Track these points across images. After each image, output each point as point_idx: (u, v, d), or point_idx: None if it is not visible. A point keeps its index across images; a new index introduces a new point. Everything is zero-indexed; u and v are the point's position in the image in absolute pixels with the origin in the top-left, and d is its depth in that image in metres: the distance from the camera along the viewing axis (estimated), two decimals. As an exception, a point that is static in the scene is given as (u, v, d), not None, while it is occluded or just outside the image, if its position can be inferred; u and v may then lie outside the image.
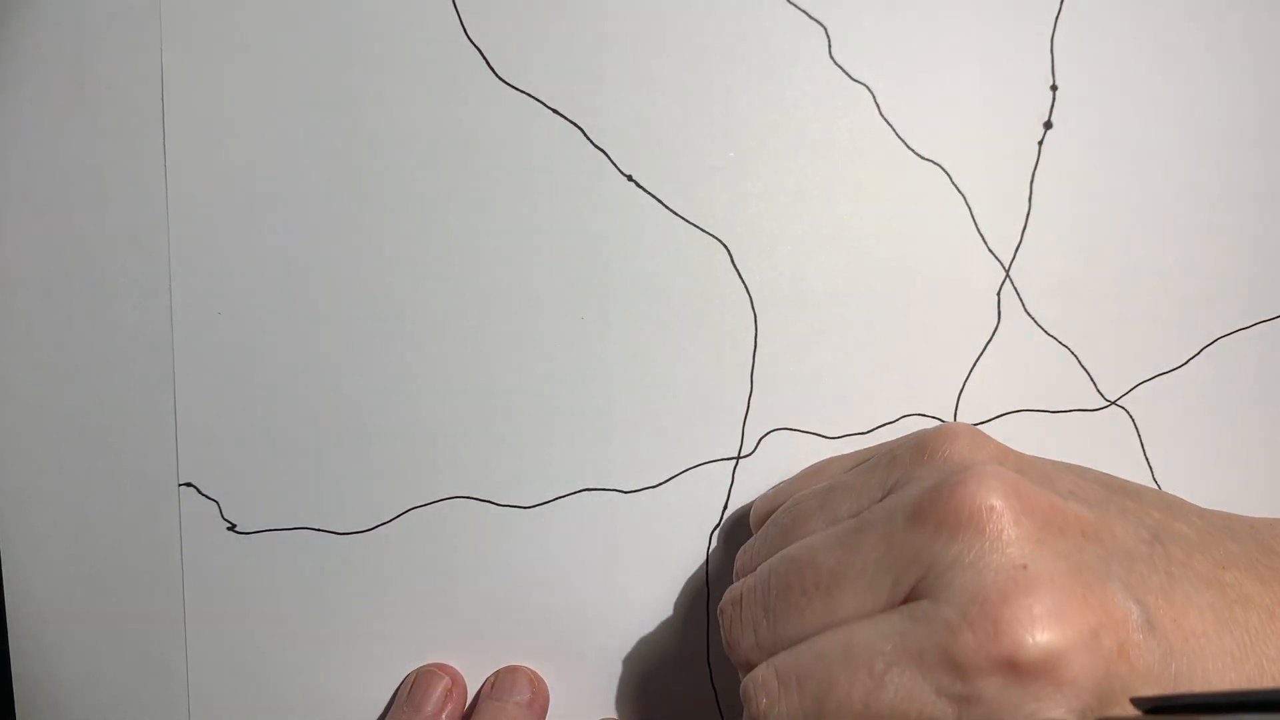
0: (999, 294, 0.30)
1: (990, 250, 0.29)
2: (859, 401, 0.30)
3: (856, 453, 0.28)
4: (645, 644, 0.30)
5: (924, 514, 0.20)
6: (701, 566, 0.30)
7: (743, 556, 0.26)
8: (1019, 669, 0.18)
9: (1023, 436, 0.30)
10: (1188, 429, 0.30)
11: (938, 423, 0.30)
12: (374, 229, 0.29)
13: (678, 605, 0.30)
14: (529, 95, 0.29)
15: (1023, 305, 0.30)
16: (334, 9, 0.28)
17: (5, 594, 0.30)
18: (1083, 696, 0.18)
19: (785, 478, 0.29)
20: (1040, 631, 0.18)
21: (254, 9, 0.28)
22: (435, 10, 0.28)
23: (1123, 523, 0.21)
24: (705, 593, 0.30)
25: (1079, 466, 0.25)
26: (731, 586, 0.25)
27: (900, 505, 0.21)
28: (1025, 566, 0.19)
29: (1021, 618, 0.18)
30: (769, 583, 0.23)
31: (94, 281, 0.29)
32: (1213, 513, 0.24)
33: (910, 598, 0.20)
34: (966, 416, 0.30)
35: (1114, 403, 0.30)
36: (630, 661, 0.30)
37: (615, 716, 0.30)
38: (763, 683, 0.21)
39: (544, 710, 0.30)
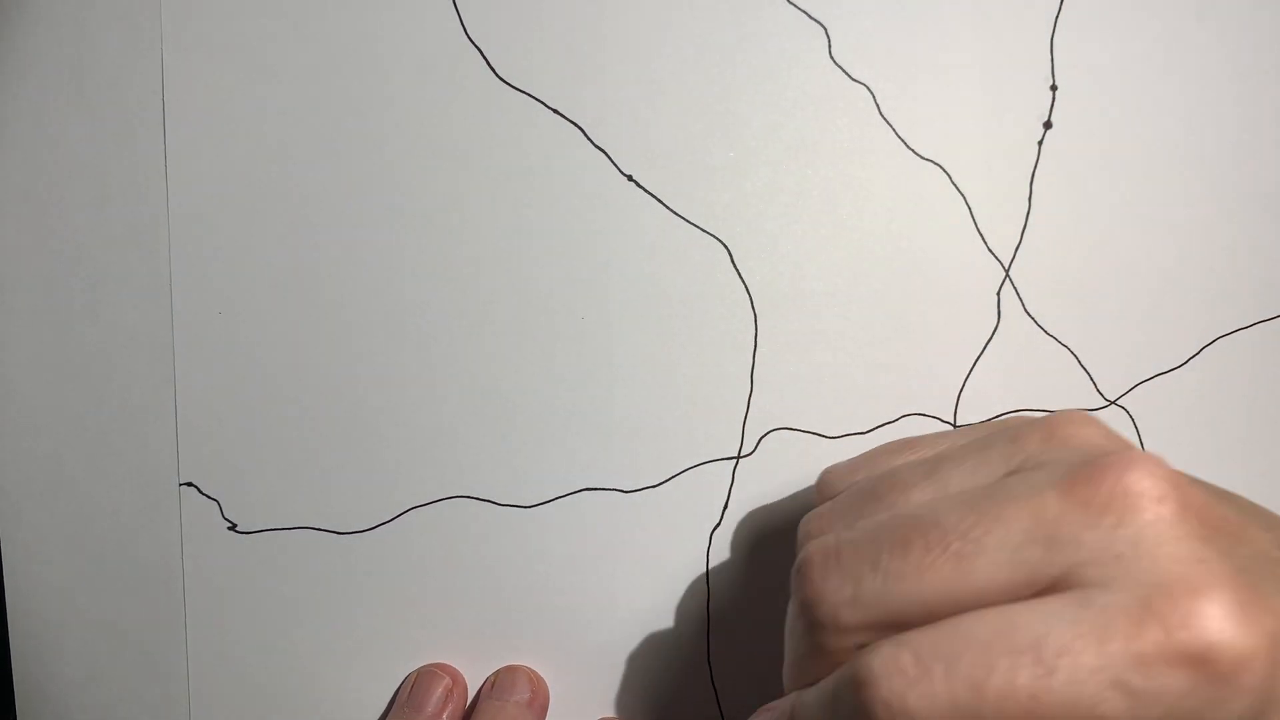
0: (999, 294, 0.30)
1: (990, 250, 0.29)
2: (859, 401, 0.30)
3: (959, 430, 0.27)
4: (645, 643, 0.30)
5: (1080, 491, 0.19)
6: (701, 566, 0.30)
7: (816, 520, 0.24)
8: (1208, 667, 0.17)
9: (1023, 436, 0.30)
10: (1188, 429, 0.30)
11: (938, 422, 0.30)
12: (374, 229, 0.29)
13: (678, 605, 0.30)
14: (529, 95, 0.29)
15: (1023, 305, 0.30)
16: (334, 9, 0.28)
17: (5, 594, 0.30)
18: (1253, 704, 0.17)
19: (785, 477, 0.29)
20: (1233, 630, 0.17)
21: (254, 9, 0.28)
22: (435, 10, 0.28)
23: (1253, 525, 0.20)
24: (705, 592, 0.30)
25: None
26: (817, 539, 0.22)
27: (1049, 480, 0.20)
28: (1203, 561, 0.18)
29: (1214, 613, 0.17)
30: (879, 536, 0.21)
31: (94, 281, 0.29)
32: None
33: (1062, 580, 0.19)
34: (966, 416, 0.30)
35: (1114, 402, 0.30)
36: (630, 661, 0.30)
37: (615, 716, 0.30)
38: (893, 660, 0.19)
39: (544, 709, 0.30)
